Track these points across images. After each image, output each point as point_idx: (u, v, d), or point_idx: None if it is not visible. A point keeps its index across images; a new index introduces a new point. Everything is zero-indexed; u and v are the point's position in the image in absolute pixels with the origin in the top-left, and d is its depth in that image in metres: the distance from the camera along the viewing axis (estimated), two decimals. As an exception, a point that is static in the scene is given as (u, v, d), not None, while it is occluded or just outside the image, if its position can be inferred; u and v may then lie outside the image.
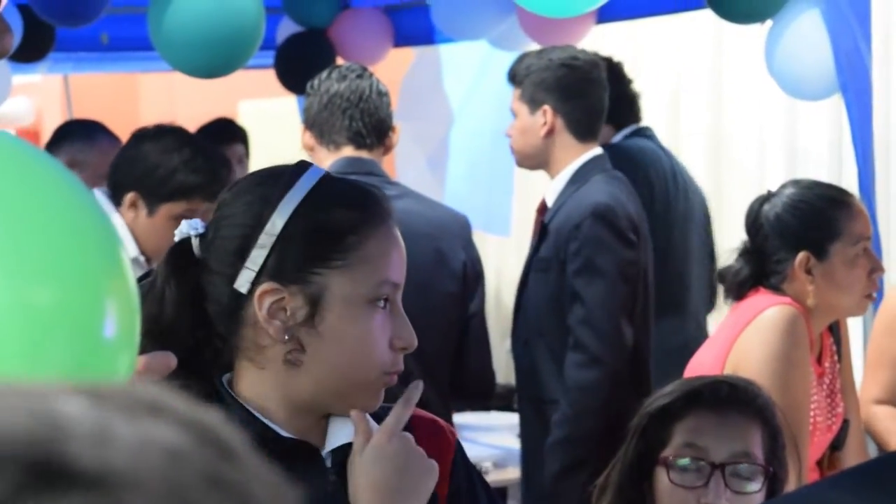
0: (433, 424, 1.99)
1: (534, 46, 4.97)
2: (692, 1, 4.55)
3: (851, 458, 3.73)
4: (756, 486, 2.43)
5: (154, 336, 1.82)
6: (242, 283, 1.86)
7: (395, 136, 3.82)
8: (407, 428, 1.89)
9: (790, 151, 5.52)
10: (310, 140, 3.80)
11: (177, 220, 4.02)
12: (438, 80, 6.03)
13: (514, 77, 4.22)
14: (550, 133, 4.14)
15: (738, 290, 3.54)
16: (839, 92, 4.26)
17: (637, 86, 5.11)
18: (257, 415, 1.87)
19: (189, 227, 1.93)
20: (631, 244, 4.01)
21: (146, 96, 9.32)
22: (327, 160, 3.74)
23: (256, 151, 6.17)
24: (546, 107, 4.13)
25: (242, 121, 7.08)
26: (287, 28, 5.55)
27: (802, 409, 3.38)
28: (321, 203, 1.87)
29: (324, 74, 3.81)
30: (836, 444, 3.64)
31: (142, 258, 3.92)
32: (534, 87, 4.15)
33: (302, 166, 1.92)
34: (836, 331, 3.72)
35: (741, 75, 5.63)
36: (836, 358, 3.69)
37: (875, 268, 3.48)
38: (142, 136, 3.94)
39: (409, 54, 6.21)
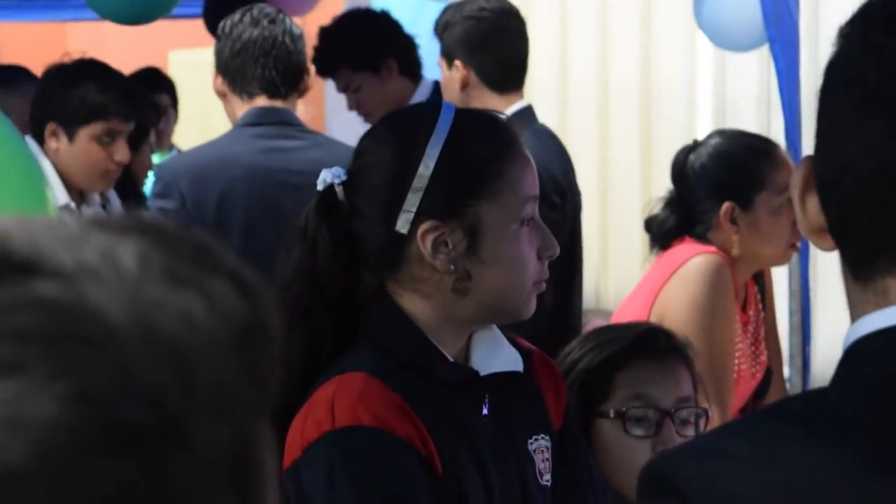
0: (542, 356, 2.16)
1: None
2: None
3: (774, 405, 3.78)
4: (699, 429, 2.46)
5: (311, 283, 2.00)
6: (402, 225, 1.98)
7: (310, 78, 3.79)
8: (524, 355, 2.07)
9: (719, 103, 5.55)
10: (222, 86, 3.73)
11: (98, 142, 4.05)
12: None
13: (436, 32, 4.19)
14: (465, 87, 4.09)
15: (664, 240, 3.55)
16: (767, 44, 4.28)
17: (567, 39, 5.09)
18: (428, 333, 2.00)
19: (331, 176, 2.04)
20: (553, 206, 3.93)
21: (74, 46, 9.22)
22: (240, 109, 3.70)
23: (187, 101, 6.13)
24: (457, 61, 4.08)
25: (173, 71, 7.02)
26: (218, -23, 5.50)
27: (727, 357, 3.41)
28: (462, 140, 2.01)
29: (236, 17, 3.74)
30: (760, 393, 3.68)
31: (72, 204, 3.91)
32: (448, 42, 4.12)
33: (435, 106, 2.04)
34: (760, 279, 3.74)
35: (670, 27, 5.64)
36: (760, 307, 3.72)
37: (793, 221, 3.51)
38: (53, 69, 4.00)
39: (340, 3, 6.18)
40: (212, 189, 3.57)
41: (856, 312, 1.12)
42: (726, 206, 3.47)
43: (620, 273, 5.88)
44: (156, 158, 5.12)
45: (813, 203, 1.15)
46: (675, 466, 1.07)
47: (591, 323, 4.19)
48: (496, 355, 2.05)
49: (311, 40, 5.25)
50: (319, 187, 2.04)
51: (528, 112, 4.11)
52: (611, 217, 5.85)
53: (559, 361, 2.52)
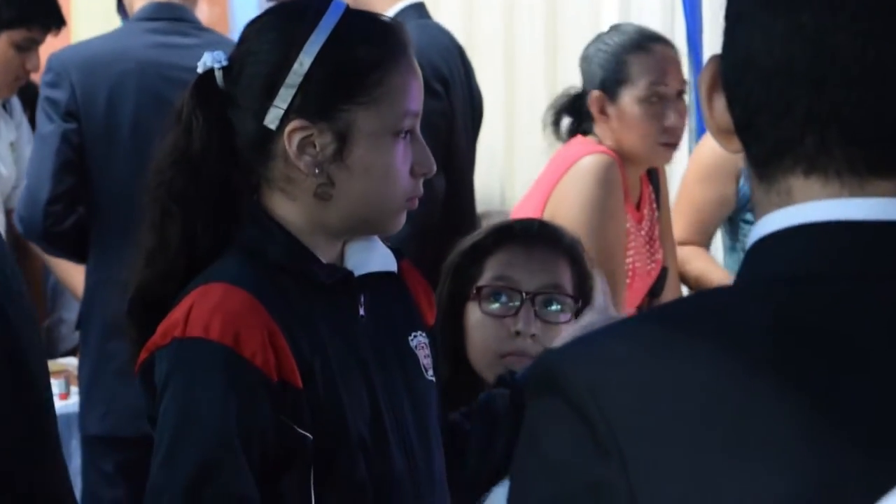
0: (407, 260, 2.14)
1: None
2: None
3: (669, 303, 3.83)
4: (565, 317, 2.49)
5: (185, 166, 1.95)
6: (271, 121, 1.94)
7: None
8: (394, 278, 2.05)
9: (624, 2, 5.54)
10: None
11: (16, 48, 4.01)
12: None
13: None
14: None
15: (556, 128, 3.65)
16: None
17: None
18: (299, 238, 1.96)
19: (212, 60, 1.99)
20: (436, 94, 3.91)
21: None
22: (138, 3, 3.65)
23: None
24: None
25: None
26: None
27: (617, 255, 3.45)
28: (345, 40, 1.95)
29: None
30: (655, 291, 3.73)
31: None
32: None
33: (324, 2, 1.98)
34: (655, 179, 3.78)
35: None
36: (654, 206, 3.76)
37: (671, 121, 3.53)
38: None
39: None
40: (102, 81, 3.56)
41: (759, 213, 1.13)
42: (595, 94, 3.56)
43: (526, 174, 5.89)
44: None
45: (719, 103, 1.15)
46: (559, 366, 1.06)
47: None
48: (370, 256, 2.04)
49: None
50: (199, 70, 2.00)
51: (418, 7, 4.08)
52: (516, 117, 5.84)
53: (458, 245, 2.55)
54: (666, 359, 1.05)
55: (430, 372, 2.09)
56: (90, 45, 3.72)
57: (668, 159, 3.67)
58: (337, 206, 1.95)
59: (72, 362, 4.33)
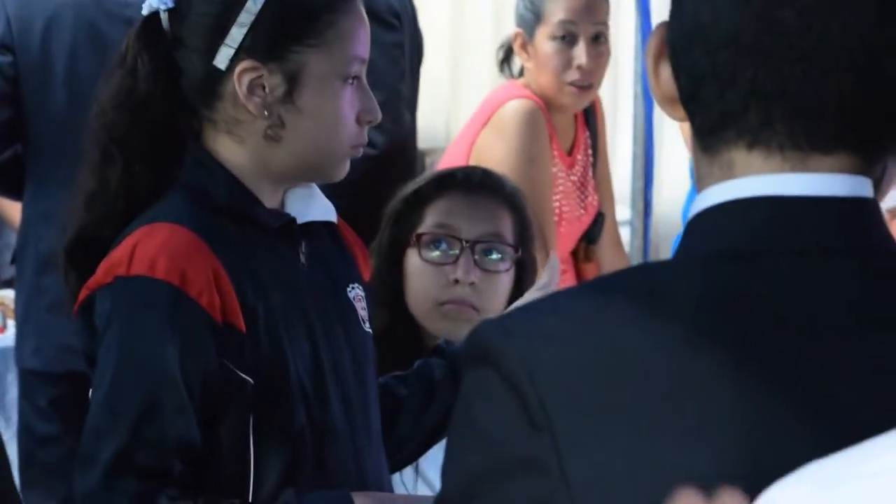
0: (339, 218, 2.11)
1: None
2: None
3: (607, 251, 3.84)
4: (505, 266, 2.49)
5: (128, 109, 1.94)
6: (221, 60, 1.93)
7: None
8: (332, 229, 2.06)
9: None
10: None
11: None
12: None
13: None
14: None
15: (507, 68, 3.62)
16: None
17: None
18: (242, 181, 1.95)
19: (158, 2, 1.96)
20: (391, 27, 3.90)
21: None
22: None
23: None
24: None
25: None
26: None
27: (544, 200, 3.46)
28: None
29: None
30: (592, 237, 3.74)
31: None
32: None
33: None
34: (592, 124, 3.79)
35: None
36: (590, 151, 3.76)
37: (576, 58, 3.54)
38: None
39: None
40: (38, 13, 3.50)
41: (701, 186, 1.12)
42: (515, 32, 3.61)
43: (470, 111, 5.88)
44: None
45: (665, 71, 1.15)
46: (496, 337, 1.06)
47: (436, 163, 4.21)
48: (310, 204, 2.04)
49: None
50: (144, 12, 1.98)
51: None
52: (462, 54, 5.83)
53: (399, 192, 2.55)
54: (599, 333, 1.05)
55: (367, 324, 2.09)
56: None
57: (579, 102, 3.65)
58: (285, 148, 1.95)
59: (9, 294, 4.30)
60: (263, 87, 1.93)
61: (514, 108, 3.52)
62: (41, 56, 3.50)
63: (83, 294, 1.92)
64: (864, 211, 1.09)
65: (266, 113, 1.93)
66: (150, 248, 1.86)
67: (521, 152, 3.47)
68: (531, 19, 3.57)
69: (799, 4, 1.07)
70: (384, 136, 3.87)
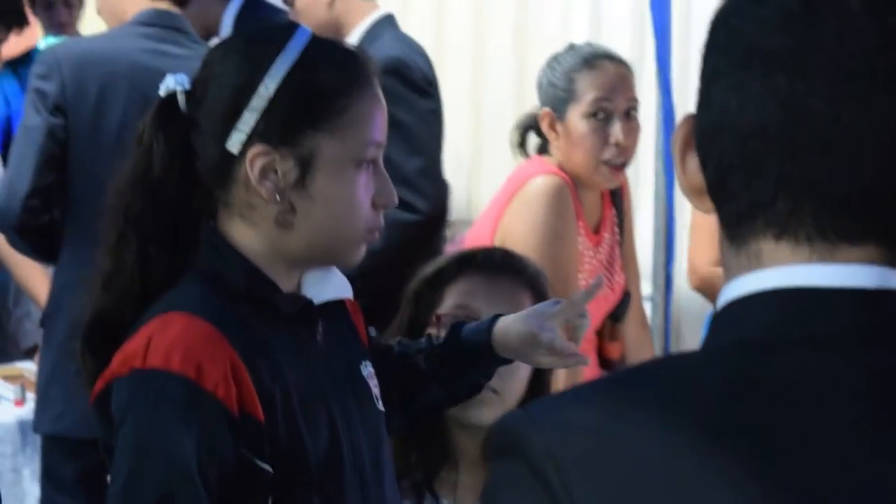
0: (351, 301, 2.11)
1: None
2: None
3: (632, 329, 3.82)
4: None
5: (144, 189, 1.93)
6: (234, 145, 1.91)
7: None
8: (344, 307, 2.05)
9: (594, 19, 5.55)
10: None
11: None
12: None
13: None
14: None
15: (515, 140, 3.67)
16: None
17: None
18: (258, 266, 1.93)
19: (175, 83, 1.96)
20: (426, 94, 3.96)
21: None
22: (134, 6, 3.62)
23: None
24: None
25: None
26: None
27: (570, 278, 3.44)
28: (311, 66, 1.93)
29: None
30: (618, 316, 3.72)
31: None
32: None
33: (291, 27, 1.98)
34: (620, 204, 3.77)
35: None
36: (617, 230, 3.75)
37: (612, 141, 3.53)
38: None
39: None
40: (93, 79, 3.52)
41: (729, 276, 1.12)
42: (543, 111, 3.56)
43: (493, 184, 5.89)
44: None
45: (693, 162, 1.15)
46: (521, 428, 1.05)
47: (459, 234, 4.21)
48: (327, 283, 2.02)
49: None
50: (161, 93, 1.97)
51: (392, 19, 4.11)
52: (483, 129, 5.84)
53: (421, 271, 2.54)
54: (623, 425, 1.05)
55: (380, 402, 2.08)
56: (84, 42, 3.70)
57: (613, 181, 3.63)
58: (298, 234, 1.93)
59: (29, 367, 4.29)
60: (275, 172, 1.91)
61: (541, 184, 3.50)
62: (93, 121, 3.52)
63: (99, 385, 1.91)
64: (892, 303, 1.09)
65: (278, 198, 1.91)
66: (165, 341, 1.85)
67: (546, 228, 3.45)
68: (562, 98, 3.54)
69: (827, 94, 1.07)
70: (427, 201, 3.87)
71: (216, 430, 1.84)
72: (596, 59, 3.58)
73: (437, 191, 3.94)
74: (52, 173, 3.50)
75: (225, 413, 1.84)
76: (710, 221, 3.95)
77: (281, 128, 1.91)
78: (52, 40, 5.23)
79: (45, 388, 3.59)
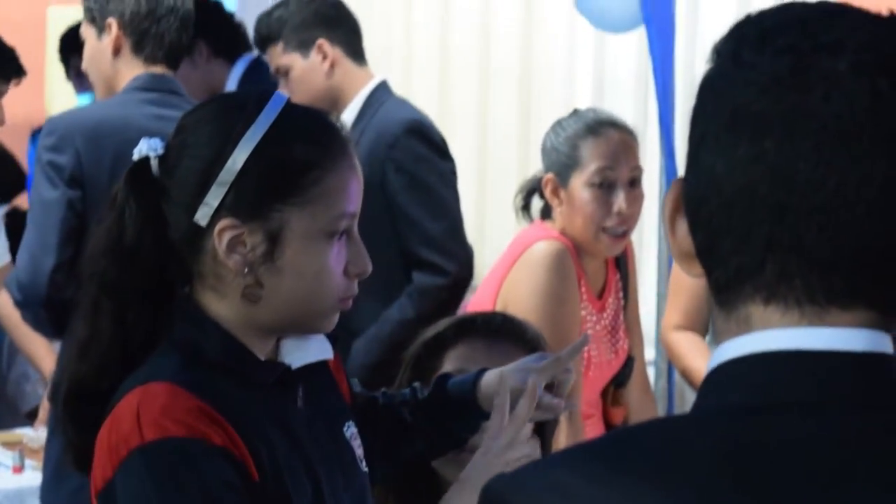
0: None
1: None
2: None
3: (635, 394, 3.79)
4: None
5: (116, 256, 1.90)
6: (202, 217, 1.88)
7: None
8: (325, 365, 2.03)
9: (598, 84, 5.56)
10: (119, 42, 3.62)
11: None
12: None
13: (267, 37, 4.12)
14: (333, 66, 4.05)
15: (517, 204, 3.66)
16: (643, 25, 4.29)
17: (448, 14, 5.05)
18: (235, 335, 1.90)
19: (148, 148, 1.94)
20: (445, 155, 3.96)
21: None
22: (129, 72, 3.60)
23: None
24: (321, 41, 4.03)
25: (52, 28, 6.88)
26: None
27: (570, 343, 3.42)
28: (282, 138, 1.88)
29: None
30: (621, 381, 3.69)
31: None
32: (298, 31, 4.06)
33: (264, 96, 1.92)
34: (624, 269, 3.76)
35: (551, 5, 5.64)
36: (620, 295, 3.73)
37: (613, 210, 3.51)
38: None
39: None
40: (108, 149, 3.48)
41: (718, 340, 1.11)
42: (546, 177, 3.55)
43: (497, 250, 5.88)
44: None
45: (682, 227, 1.14)
46: (511, 490, 1.05)
47: (465, 299, 4.20)
48: (307, 346, 1.98)
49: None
50: (135, 157, 1.94)
51: (387, 85, 4.11)
52: (488, 195, 5.85)
53: (421, 335, 2.52)
54: (613, 492, 1.03)
55: (364, 463, 2.05)
56: (93, 112, 3.66)
57: (614, 249, 3.60)
58: (266, 307, 1.89)
59: (28, 433, 4.26)
60: (244, 245, 1.87)
61: (543, 248, 3.49)
62: (109, 192, 3.47)
63: (99, 484, 1.86)
64: (881, 366, 1.08)
65: (245, 271, 1.87)
66: (153, 413, 1.81)
67: (548, 292, 3.44)
68: (566, 165, 3.53)
69: (815, 157, 1.07)
70: (455, 263, 3.85)
71: (231, 475, 1.81)
72: (600, 127, 3.57)
73: (464, 252, 3.93)
74: (73, 246, 3.46)
75: (234, 460, 1.82)
76: (682, 284, 3.90)
77: (250, 202, 1.87)
78: (85, 99, 5.28)
79: (58, 462, 3.52)
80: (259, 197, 1.87)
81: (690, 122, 1.14)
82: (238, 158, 1.86)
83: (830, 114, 1.07)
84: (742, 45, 1.12)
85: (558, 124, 3.62)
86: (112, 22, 3.59)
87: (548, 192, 3.55)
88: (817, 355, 1.07)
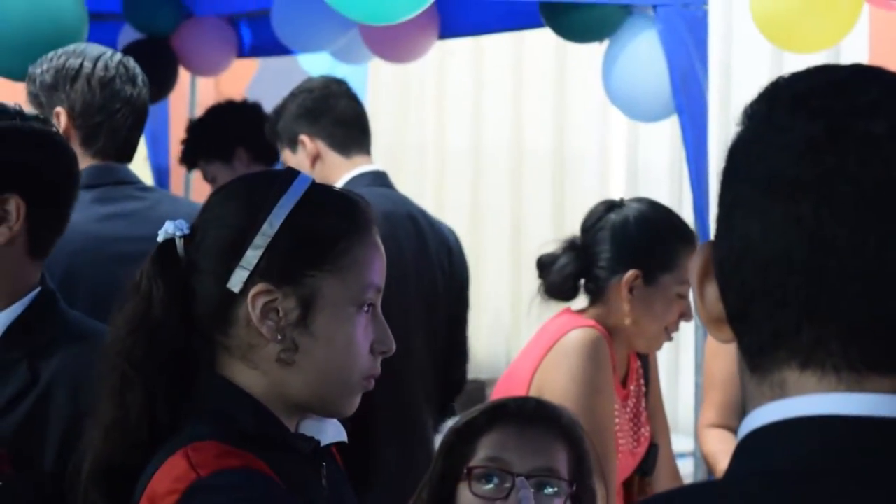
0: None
1: (377, 60, 4.93)
2: (532, 18, 4.55)
3: (663, 483, 3.73)
4: (559, 501, 2.40)
5: (144, 334, 1.91)
6: (236, 283, 1.89)
7: None
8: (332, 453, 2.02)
9: (632, 171, 5.56)
10: (68, 130, 3.25)
11: None
12: (282, 91, 5.96)
13: (272, 136, 4.16)
14: (316, 159, 4.04)
15: (561, 286, 3.49)
16: (675, 114, 4.28)
17: (481, 103, 5.07)
18: (268, 408, 1.91)
19: (174, 228, 1.96)
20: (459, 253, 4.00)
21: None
22: (84, 162, 3.13)
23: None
24: (302, 136, 4.04)
25: None
26: (128, 35, 5.43)
27: (607, 432, 3.37)
28: (312, 209, 1.93)
29: (101, 64, 3.27)
30: (646, 469, 3.63)
31: None
32: (285, 129, 4.09)
33: (292, 173, 1.98)
34: (644, 355, 3.71)
35: (583, 94, 5.65)
36: (642, 382, 3.69)
37: (685, 313, 3.47)
38: None
39: (254, 65, 6.14)
40: (54, 265, 2.89)
41: (751, 406, 1.09)
42: (631, 273, 3.42)
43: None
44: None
45: (712, 291, 1.12)
46: None
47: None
48: (325, 426, 1.99)
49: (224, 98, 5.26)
50: (160, 239, 1.96)
51: (378, 175, 4.08)
52: (523, 284, 5.83)
53: (454, 423, 2.49)
54: None
55: None
56: None
57: (659, 348, 3.61)
58: (299, 373, 1.91)
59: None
60: (277, 311, 1.89)
61: (580, 336, 3.43)
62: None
63: None
64: None
65: (279, 337, 1.89)
66: (206, 457, 1.81)
67: (586, 382, 3.38)
68: (657, 263, 3.46)
69: (853, 222, 1.05)
70: None
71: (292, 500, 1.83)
72: (691, 236, 3.51)
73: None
74: None
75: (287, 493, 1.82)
76: (714, 378, 3.84)
77: (283, 266, 1.90)
78: None
79: None
80: (292, 262, 1.90)
81: (720, 185, 1.12)
82: (273, 222, 1.90)
83: (868, 178, 1.05)
84: (775, 107, 1.10)
85: (640, 215, 3.47)
86: (61, 111, 3.25)
87: (625, 284, 3.44)
88: (857, 421, 1.04)
